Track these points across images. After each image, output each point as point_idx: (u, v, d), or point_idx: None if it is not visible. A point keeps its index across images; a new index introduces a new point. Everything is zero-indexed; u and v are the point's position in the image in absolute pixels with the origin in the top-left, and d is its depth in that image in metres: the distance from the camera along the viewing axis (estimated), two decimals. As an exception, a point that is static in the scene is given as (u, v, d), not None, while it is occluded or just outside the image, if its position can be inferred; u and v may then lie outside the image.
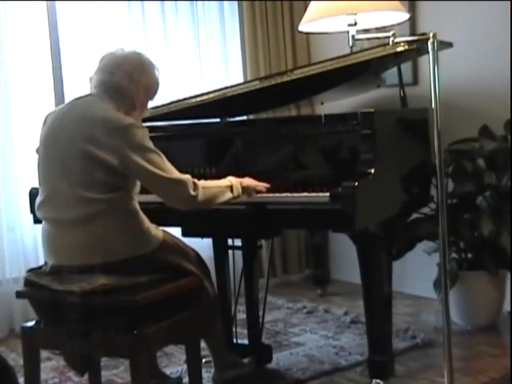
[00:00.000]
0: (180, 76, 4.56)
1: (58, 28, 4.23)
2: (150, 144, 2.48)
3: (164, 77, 4.38)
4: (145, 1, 4.45)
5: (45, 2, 4.17)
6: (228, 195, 2.63)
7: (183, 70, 4.59)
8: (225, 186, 2.64)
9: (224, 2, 4.74)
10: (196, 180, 2.53)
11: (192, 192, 2.48)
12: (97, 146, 2.41)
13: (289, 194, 2.71)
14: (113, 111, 2.51)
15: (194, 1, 4.63)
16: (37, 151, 2.61)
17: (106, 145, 2.41)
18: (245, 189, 2.72)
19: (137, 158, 2.42)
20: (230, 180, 2.69)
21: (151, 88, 2.65)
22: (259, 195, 2.76)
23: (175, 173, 2.50)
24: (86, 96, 2.60)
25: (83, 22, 4.32)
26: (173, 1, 4.56)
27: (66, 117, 2.53)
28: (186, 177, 2.51)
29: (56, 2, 4.21)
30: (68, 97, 4.07)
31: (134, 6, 4.43)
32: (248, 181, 2.76)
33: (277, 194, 2.74)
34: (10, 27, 4.08)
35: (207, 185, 2.57)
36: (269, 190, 2.78)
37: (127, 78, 2.55)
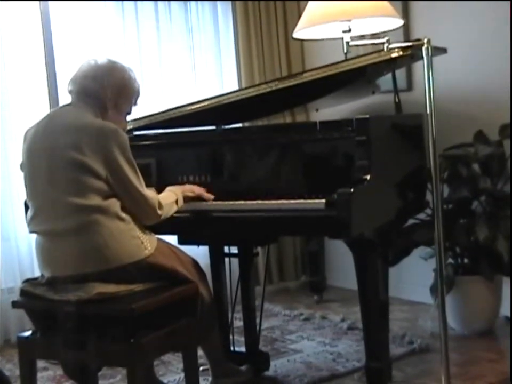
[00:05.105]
0: (173, 83, 4.56)
1: (52, 28, 4.21)
2: (130, 154, 2.51)
3: (157, 85, 4.46)
4: (138, 2, 4.43)
5: (38, 2, 4.16)
6: (174, 209, 2.71)
7: (177, 77, 4.58)
8: (174, 201, 2.71)
9: (218, 8, 4.73)
10: (160, 199, 2.61)
11: (159, 212, 2.59)
12: (82, 153, 2.42)
13: (285, 201, 2.71)
14: (93, 117, 2.54)
15: (188, 2, 4.62)
16: (21, 166, 2.62)
17: (91, 151, 2.43)
18: (186, 199, 2.81)
19: (121, 160, 2.46)
20: (176, 193, 2.75)
21: (120, 88, 2.62)
22: (258, 201, 2.76)
23: (146, 190, 2.56)
24: (63, 107, 2.66)
25: (77, 23, 4.31)
26: (166, 1, 4.54)
27: (48, 128, 2.55)
28: (155, 196, 2.60)
29: (49, 2, 4.20)
30: (62, 99, 4.04)
31: (127, 8, 4.41)
32: (189, 190, 2.85)
33: (273, 201, 2.74)
34: (3, 27, 4.06)
35: (165, 203, 2.63)
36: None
37: (93, 80, 2.58)
